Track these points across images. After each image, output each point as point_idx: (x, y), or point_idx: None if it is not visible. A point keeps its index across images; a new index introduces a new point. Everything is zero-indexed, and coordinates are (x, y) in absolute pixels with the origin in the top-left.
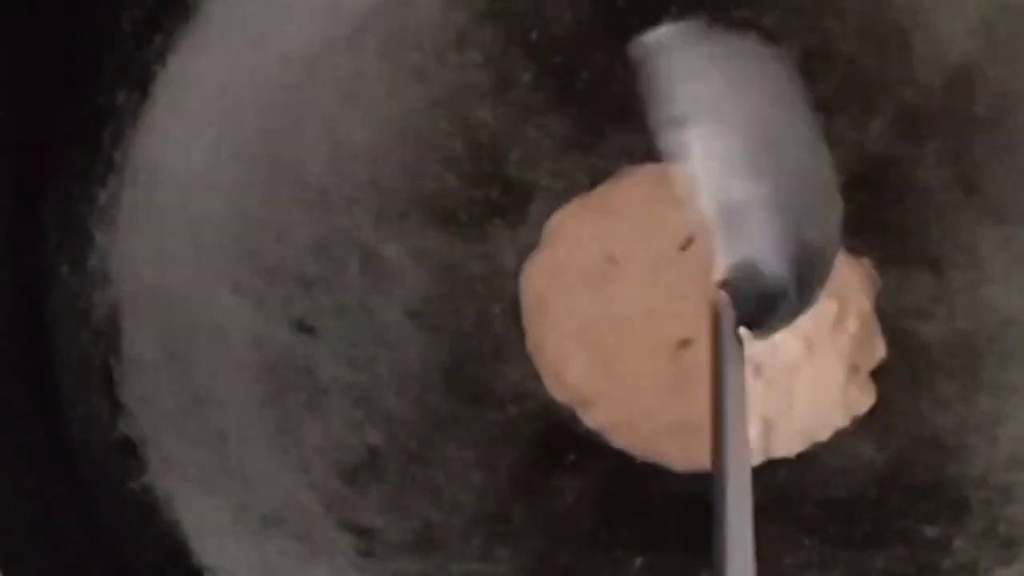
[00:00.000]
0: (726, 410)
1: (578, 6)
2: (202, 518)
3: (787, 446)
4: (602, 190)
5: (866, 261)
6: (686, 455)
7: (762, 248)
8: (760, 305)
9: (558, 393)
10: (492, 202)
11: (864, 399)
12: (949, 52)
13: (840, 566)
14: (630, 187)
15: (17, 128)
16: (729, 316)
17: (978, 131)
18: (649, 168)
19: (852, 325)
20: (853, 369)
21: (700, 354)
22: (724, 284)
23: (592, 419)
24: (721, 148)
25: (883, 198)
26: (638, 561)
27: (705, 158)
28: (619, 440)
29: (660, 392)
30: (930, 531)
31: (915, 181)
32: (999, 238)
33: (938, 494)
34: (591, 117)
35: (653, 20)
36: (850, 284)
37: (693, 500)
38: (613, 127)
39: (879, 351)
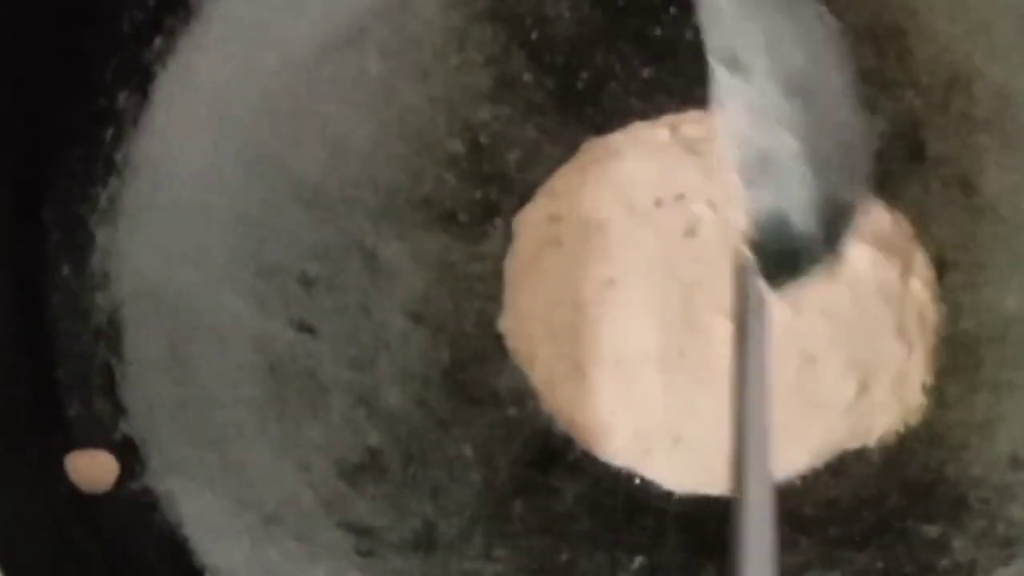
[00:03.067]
0: (749, 393)
1: (578, 6)
2: (202, 518)
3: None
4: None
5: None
6: (680, 477)
7: (790, 200)
8: (784, 260)
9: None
10: (492, 202)
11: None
12: (949, 52)
13: (840, 566)
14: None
15: (18, 129)
16: (754, 279)
17: (978, 131)
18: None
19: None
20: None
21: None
22: (748, 240)
23: (580, 437)
24: (756, 94)
25: (883, 198)
26: (638, 561)
27: (740, 103)
28: (612, 460)
29: (654, 409)
30: (929, 531)
31: (915, 181)
32: (999, 238)
33: (938, 494)
34: (591, 117)
35: (652, 20)
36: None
37: (693, 500)
38: (612, 127)
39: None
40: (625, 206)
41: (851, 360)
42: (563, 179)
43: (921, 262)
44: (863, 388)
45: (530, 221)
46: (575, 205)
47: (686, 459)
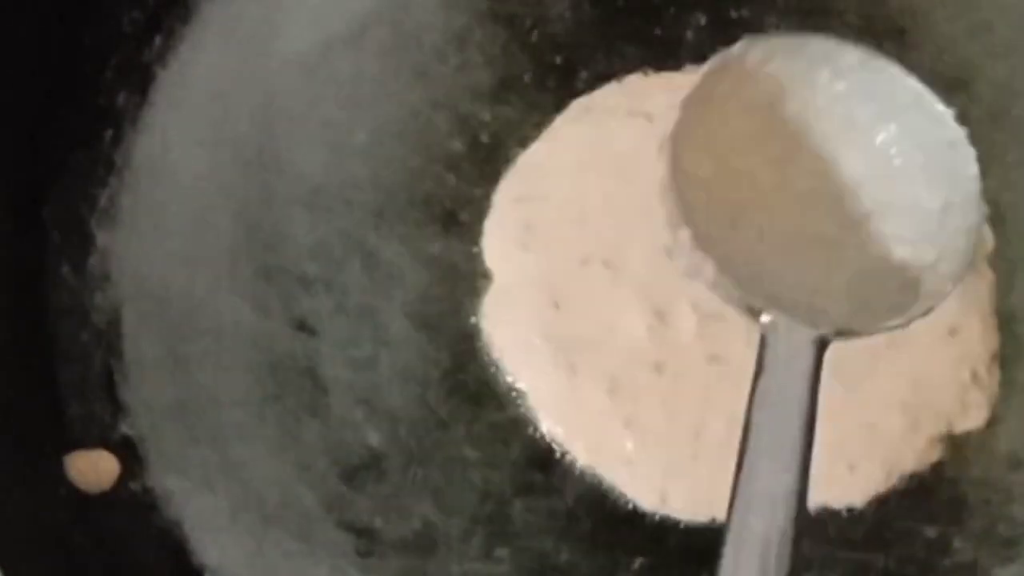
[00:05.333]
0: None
1: (578, 6)
2: (202, 518)
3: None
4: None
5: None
6: (664, 500)
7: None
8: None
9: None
10: (492, 202)
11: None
12: (949, 52)
13: (840, 566)
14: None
15: (18, 129)
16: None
17: (979, 130)
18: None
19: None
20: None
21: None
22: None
23: (572, 451)
24: None
25: None
26: (638, 561)
27: None
28: (604, 478)
29: (647, 433)
30: (929, 531)
31: None
32: (999, 238)
33: (938, 494)
34: None
35: (652, 20)
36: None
37: None
38: None
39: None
40: (601, 175)
41: (903, 393)
42: (525, 157)
43: (993, 287)
44: (908, 427)
45: (494, 210)
46: (542, 181)
47: (678, 487)
